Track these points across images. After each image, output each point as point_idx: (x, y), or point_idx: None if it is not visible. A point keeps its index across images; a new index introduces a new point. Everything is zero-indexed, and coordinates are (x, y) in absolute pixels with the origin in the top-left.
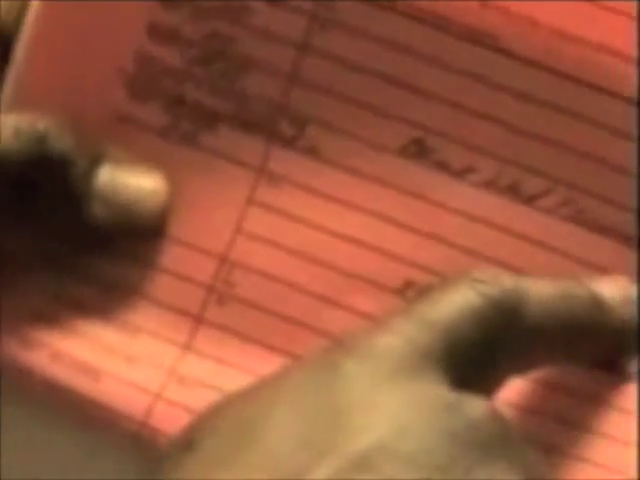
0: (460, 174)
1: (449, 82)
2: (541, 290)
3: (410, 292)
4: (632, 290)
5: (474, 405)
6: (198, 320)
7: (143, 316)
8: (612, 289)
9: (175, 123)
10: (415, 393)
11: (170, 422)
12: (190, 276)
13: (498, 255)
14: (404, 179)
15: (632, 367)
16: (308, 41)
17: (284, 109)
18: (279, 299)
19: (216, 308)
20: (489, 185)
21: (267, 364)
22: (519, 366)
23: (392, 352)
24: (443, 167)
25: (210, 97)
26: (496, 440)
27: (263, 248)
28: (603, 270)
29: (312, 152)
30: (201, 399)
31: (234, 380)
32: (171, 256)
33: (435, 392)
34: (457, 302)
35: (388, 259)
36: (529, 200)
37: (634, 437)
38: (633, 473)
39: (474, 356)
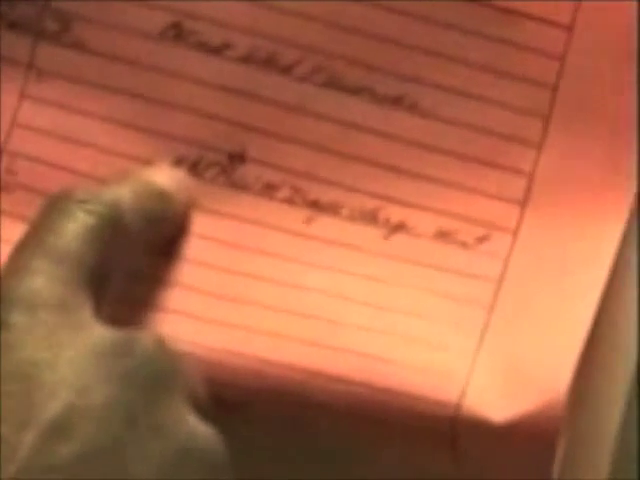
0: (217, 51)
1: None
2: (126, 196)
3: (183, 167)
4: (177, 174)
5: (142, 341)
6: None
7: None
8: (165, 177)
9: None
10: (85, 341)
11: None
12: None
13: (258, 123)
14: (165, 61)
15: None
16: None
17: (48, 7)
18: (59, 183)
19: (1, 196)
20: (245, 59)
21: None
22: (123, 274)
23: (48, 295)
24: (201, 46)
25: None
26: (166, 371)
27: (39, 138)
28: (353, 127)
29: (77, 45)
30: None
31: None
32: None
33: (102, 335)
34: (76, 227)
35: (158, 137)
36: (284, 70)
37: None
38: None
39: (98, 275)
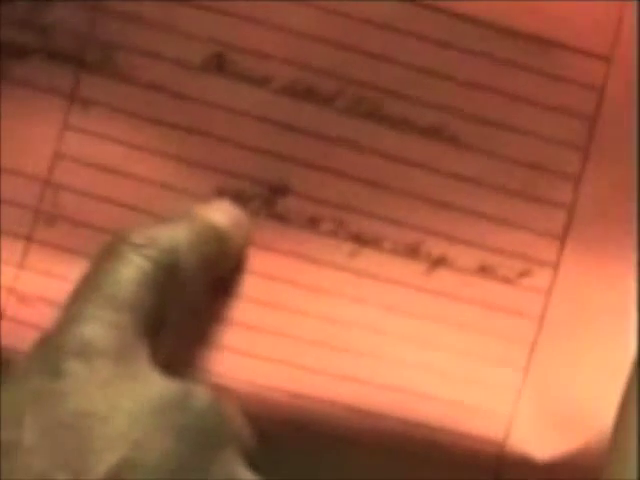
0: (259, 83)
1: (242, 2)
2: (183, 238)
3: (224, 197)
4: (234, 211)
5: (197, 396)
6: (29, 240)
7: None
8: (222, 216)
9: None
10: (142, 393)
11: (16, 339)
12: (17, 201)
13: (301, 155)
14: (207, 92)
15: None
16: None
17: (90, 37)
18: (102, 214)
19: (45, 228)
20: (287, 91)
21: None
22: (179, 314)
23: (105, 343)
24: (243, 78)
25: (18, 32)
26: (220, 427)
27: (82, 169)
28: (395, 160)
29: (119, 76)
30: (42, 314)
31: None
32: None
33: (158, 387)
34: (133, 273)
35: (200, 169)
36: (326, 101)
37: None
38: None
39: (155, 319)
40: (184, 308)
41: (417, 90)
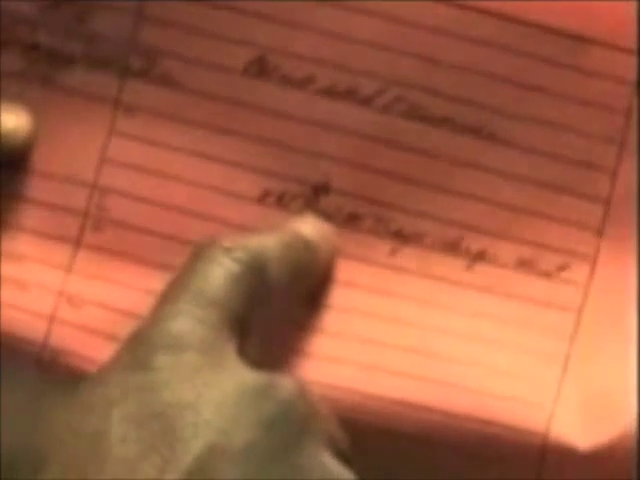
0: (300, 85)
1: (282, 5)
2: (272, 246)
3: (269, 200)
4: (323, 225)
5: (283, 386)
6: (77, 244)
7: (25, 245)
8: (311, 229)
9: (32, 66)
10: (228, 383)
11: (68, 341)
12: (65, 205)
13: (341, 154)
14: (250, 95)
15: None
16: None
17: (133, 44)
18: (149, 217)
19: (93, 232)
20: (327, 92)
21: (144, 278)
22: (262, 320)
23: (192, 337)
24: (284, 81)
25: (63, 40)
26: (306, 417)
27: (128, 173)
28: (434, 157)
29: (163, 81)
30: (91, 316)
31: (117, 295)
32: (45, 189)
33: (244, 378)
34: (222, 273)
35: (245, 170)
36: (365, 101)
37: None
38: None
39: (242, 320)
40: (272, 315)
41: (456, 88)
